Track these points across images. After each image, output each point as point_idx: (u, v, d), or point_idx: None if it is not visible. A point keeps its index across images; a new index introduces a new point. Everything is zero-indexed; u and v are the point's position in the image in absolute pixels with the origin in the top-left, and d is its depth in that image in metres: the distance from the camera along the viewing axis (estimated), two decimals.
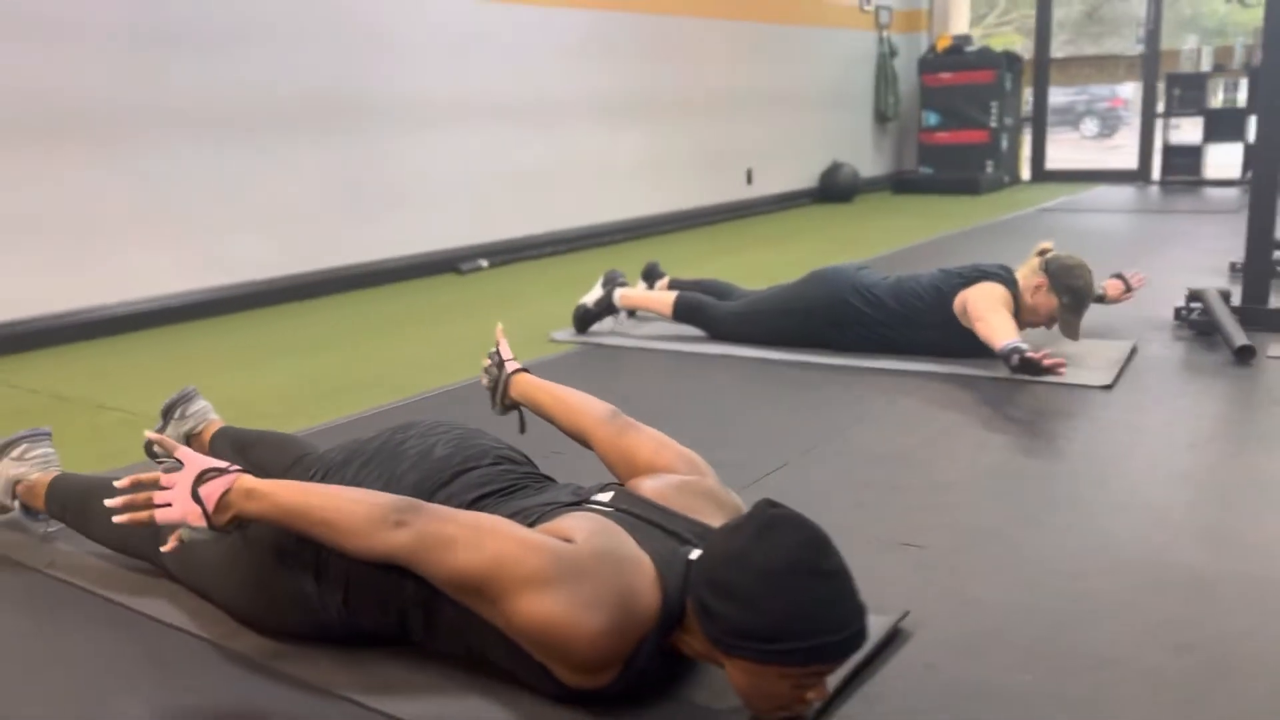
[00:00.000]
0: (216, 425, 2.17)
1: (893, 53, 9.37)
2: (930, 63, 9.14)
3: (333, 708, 1.38)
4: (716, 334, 3.51)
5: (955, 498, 2.06)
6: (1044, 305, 3.03)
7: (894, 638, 1.52)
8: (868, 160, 9.36)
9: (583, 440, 1.71)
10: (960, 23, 9.97)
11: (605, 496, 1.47)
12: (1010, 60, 9.06)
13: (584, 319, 3.70)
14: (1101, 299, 3.43)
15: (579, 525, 1.33)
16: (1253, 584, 1.65)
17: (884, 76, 9.37)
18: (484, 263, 5.46)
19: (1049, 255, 3.07)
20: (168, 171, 4.18)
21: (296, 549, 1.49)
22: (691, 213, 7.15)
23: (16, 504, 1.97)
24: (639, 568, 1.30)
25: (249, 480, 1.36)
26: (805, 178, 8.47)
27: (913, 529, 1.91)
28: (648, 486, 1.50)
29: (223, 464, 1.37)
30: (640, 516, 1.41)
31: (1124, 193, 8.27)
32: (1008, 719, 1.31)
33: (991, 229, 6.30)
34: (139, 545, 1.76)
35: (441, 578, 1.31)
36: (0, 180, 3.68)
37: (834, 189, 8.48)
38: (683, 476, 1.55)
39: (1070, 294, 2.99)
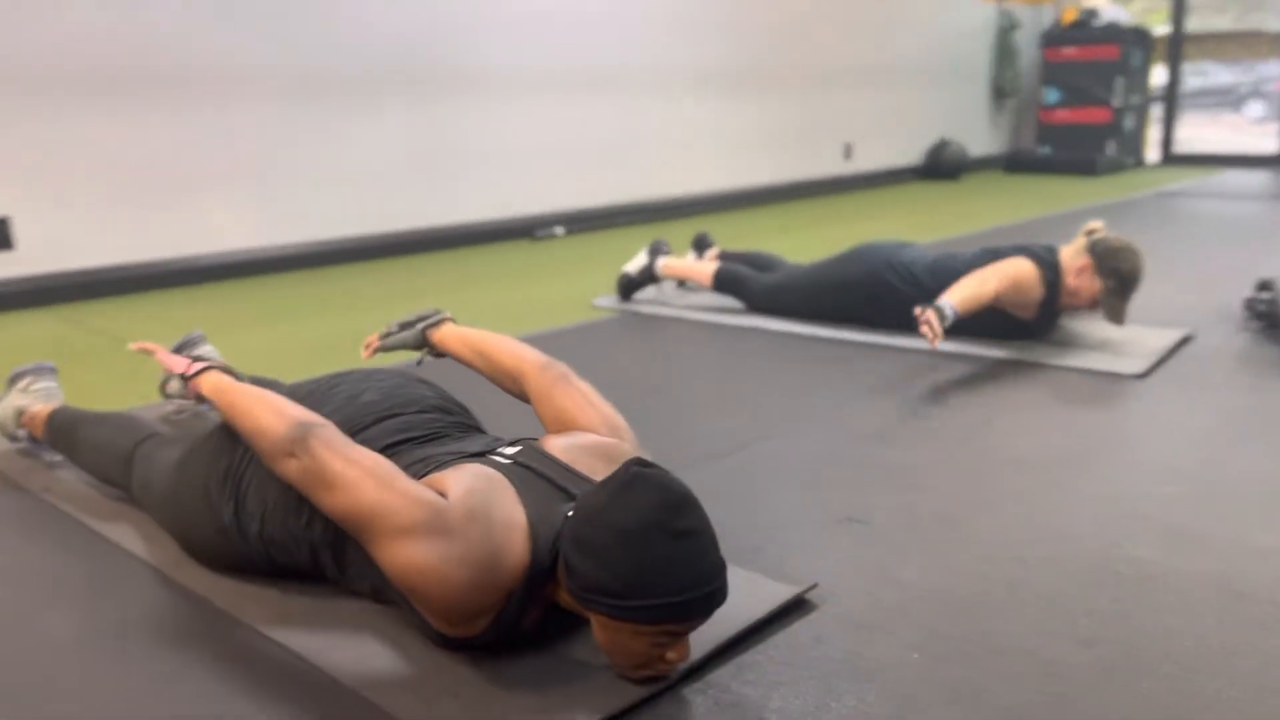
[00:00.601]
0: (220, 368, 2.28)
1: (1014, 26, 8.99)
2: (1053, 37, 8.74)
3: (240, 635, 1.45)
4: (754, 306, 3.47)
5: (925, 479, 2.00)
6: (1087, 288, 2.89)
7: (794, 608, 1.50)
8: (981, 137, 9.04)
9: (517, 385, 1.72)
10: None
11: (511, 450, 1.49)
12: (1139, 36, 8.58)
13: (627, 286, 3.71)
14: None
15: (460, 480, 1.35)
16: (1197, 584, 1.55)
17: (1003, 50, 9.00)
18: (559, 230, 5.53)
19: (1096, 236, 2.92)
20: (251, 129, 4.37)
21: (221, 482, 1.57)
22: (782, 187, 7.05)
23: (23, 433, 2.12)
24: (509, 524, 1.31)
25: (221, 375, 1.59)
26: (910, 154, 8.24)
27: (866, 506, 1.87)
28: (557, 444, 1.51)
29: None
30: (536, 472, 1.42)
31: (1257, 178, 7.77)
32: (873, 697, 1.28)
33: (1093, 212, 6.01)
34: (114, 474, 1.87)
35: (325, 512, 1.36)
36: (89, 136, 3.92)
37: (940, 167, 8.23)
38: (597, 438, 1.55)
39: (1116, 277, 2.84)
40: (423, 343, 1.80)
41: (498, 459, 1.45)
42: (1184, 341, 2.99)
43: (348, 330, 3.39)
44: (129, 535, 1.78)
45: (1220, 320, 3.25)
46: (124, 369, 2.92)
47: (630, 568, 1.21)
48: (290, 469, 1.38)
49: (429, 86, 4.97)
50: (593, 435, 1.56)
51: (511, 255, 4.96)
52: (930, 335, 2.62)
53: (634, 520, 1.21)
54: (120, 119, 3.99)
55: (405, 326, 1.85)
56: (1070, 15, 8.78)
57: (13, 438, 2.15)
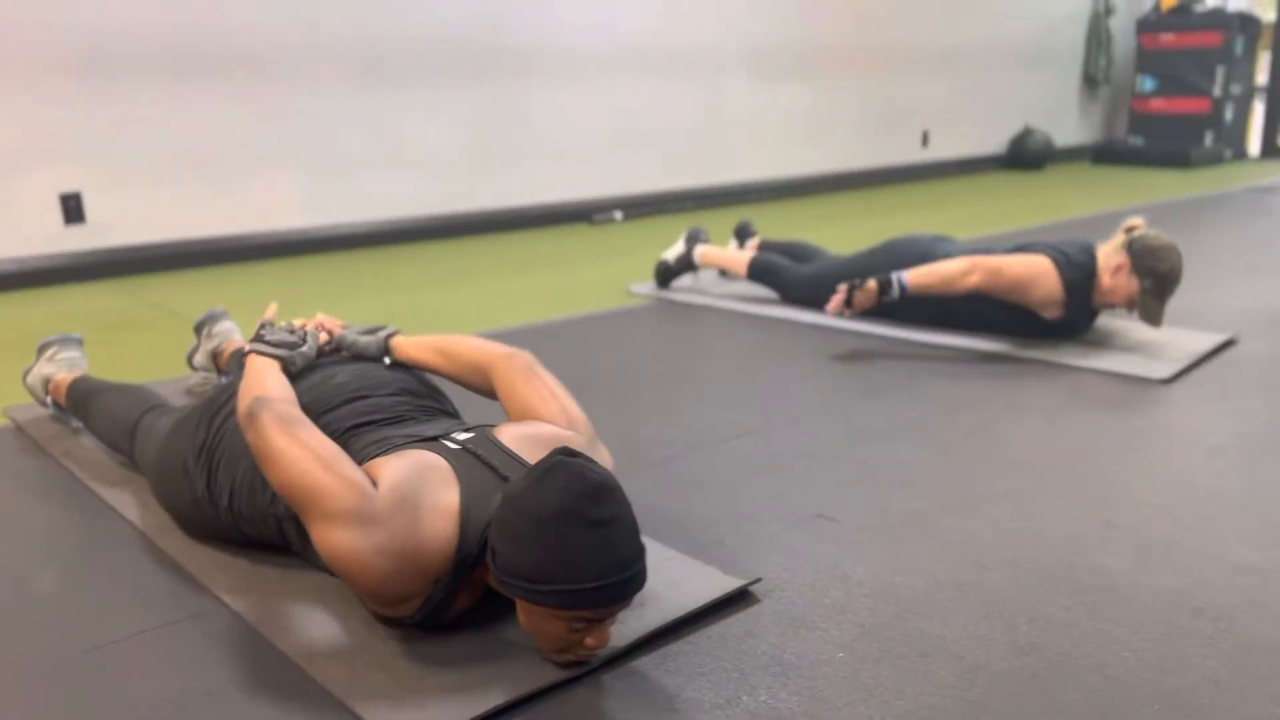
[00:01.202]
0: (236, 345, 2.39)
1: (1109, 10, 8.66)
2: (1151, 23, 8.39)
3: (200, 600, 1.53)
4: (787, 297, 3.46)
5: (909, 478, 1.98)
6: (1123, 287, 2.80)
7: (736, 601, 1.51)
8: (1071, 127, 8.76)
9: (483, 378, 1.75)
10: None
11: (463, 436, 1.53)
12: (1245, 22, 8.18)
13: (664, 274, 3.73)
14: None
15: (395, 469, 1.38)
16: (1156, 598, 1.51)
17: (1096, 36, 8.69)
18: (618, 214, 5.56)
19: (1135, 234, 2.83)
20: (311, 111, 4.51)
21: (196, 455, 1.65)
22: (856, 174, 6.96)
23: (49, 399, 2.25)
24: (438, 511, 1.34)
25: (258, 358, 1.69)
26: (992, 143, 8.03)
27: (838, 503, 1.86)
28: (509, 433, 1.54)
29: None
30: (481, 459, 1.46)
31: None
32: (785, 694, 1.29)
33: (1177, 206, 5.79)
34: (120, 442, 1.98)
35: (270, 485, 1.43)
36: (155, 115, 4.10)
37: (1023, 156, 8.00)
38: (552, 429, 1.58)
39: (1153, 277, 2.74)
40: (385, 350, 1.84)
41: (448, 444, 1.49)
42: (1225, 346, 2.88)
43: (386, 310, 3.49)
44: (127, 501, 1.89)
45: (1273, 324, 3.11)
46: (171, 341, 3.06)
47: (545, 553, 1.23)
48: (249, 441, 1.44)
49: (491, 69, 5.04)
50: (549, 426, 1.59)
51: (566, 239, 5.02)
52: (833, 303, 2.85)
53: (551, 507, 1.24)
54: (186, 100, 4.16)
55: (367, 333, 1.89)
56: (1171, 1, 8.42)
57: (44, 404, 2.28)
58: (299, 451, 1.38)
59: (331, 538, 1.31)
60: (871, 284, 2.84)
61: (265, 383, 1.56)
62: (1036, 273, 2.78)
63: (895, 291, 2.83)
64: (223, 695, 1.29)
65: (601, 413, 2.37)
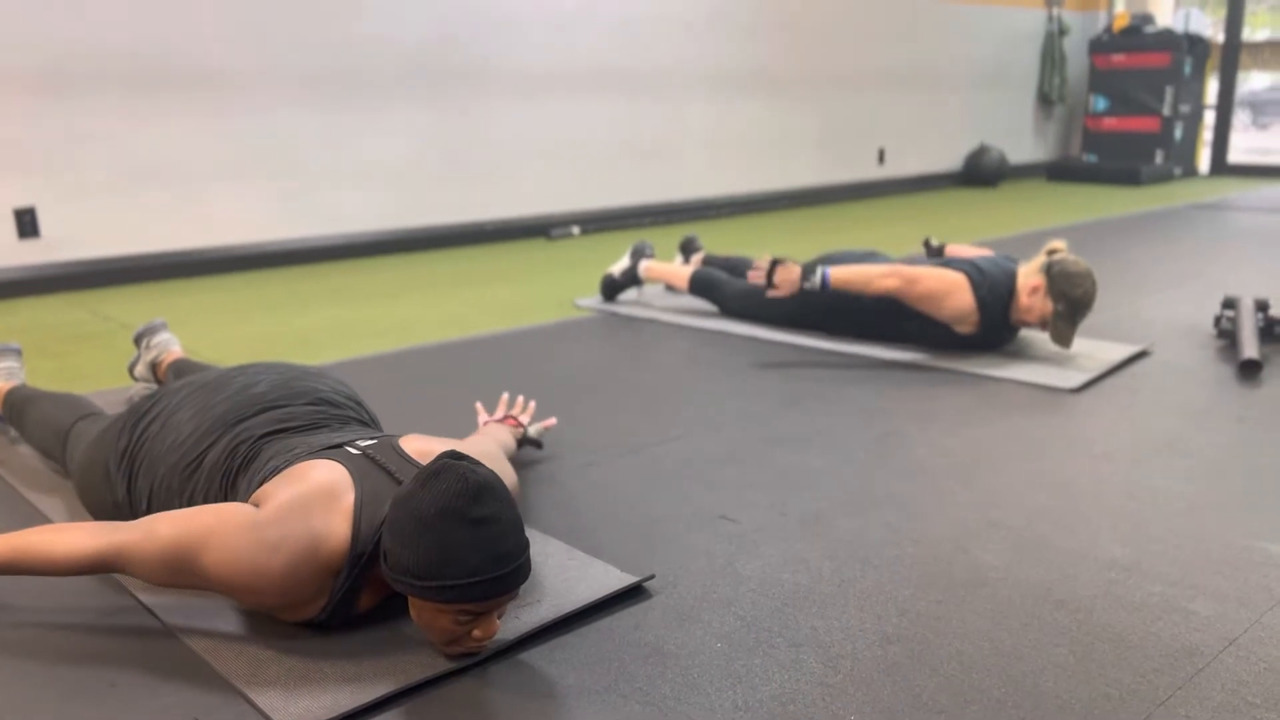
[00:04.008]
0: (174, 356, 2.46)
1: (1063, 31, 8.86)
2: (1103, 44, 8.59)
3: (114, 598, 1.60)
4: (726, 311, 3.56)
5: (812, 482, 2.07)
6: (1039, 307, 2.91)
7: (631, 597, 1.59)
8: (1026, 145, 8.93)
9: None
10: (1160, 1, 9.18)
11: (365, 443, 1.60)
12: (1193, 43, 8.39)
13: (610, 288, 3.82)
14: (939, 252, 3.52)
15: (283, 487, 1.44)
16: (1024, 591, 1.61)
17: (1050, 57, 8.88)
18: (576, 229, 5.65)
19: (1055, 257, 2.94)
20: (270, 125, 4.58)
21: (118, 460, 1.72)
22: (814, 190, 7.08)
23: None
24: (331, 512, 1.40)
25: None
26: (948, 160, 8.19)
27: (742, 505, 1.95)
28: (413, 444, 1.61)
29: None
30: (378, 463, 1.53)
31: None
32: (659, 680, 1.37)
33: (1125, 222, 5.94)
34: (53, 449, 2.04)
35: (151, 570, 1.42)
36: (112, 130, 4.16)
37: (978, 173, 8.17)
38: (462, 440, 1.66)
39: (1066, 301, 2.85)
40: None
41: (350, 450, 1.57)
42: (1138, 356, 3.00)
43: (332, 321, 3.56)
44: (57, 507, 1.95)
45: (1188, 336, 3.24)
46: (123, 354, 3.12)
47: (428, 550, 1.31)
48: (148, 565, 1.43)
49: (450, 85, 5.13)
50: (460, 441, 1.67)
51: (521, 254, 5.10)
52: (753, 275, 3.05)
53: (434, 506, 1.32)
54: (142, 115, 4.22)
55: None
56: (1122, 21, 8.62)
57: None
58: (148, 524, 1.42)
59: (226, 555, 1.36)
60: (794, 265, 2.97)
61: (77, 541, 1.45)
62: (948, 288, 2.89)
63: (817, 280, 2.95)
64: (127, 688, 1.36)
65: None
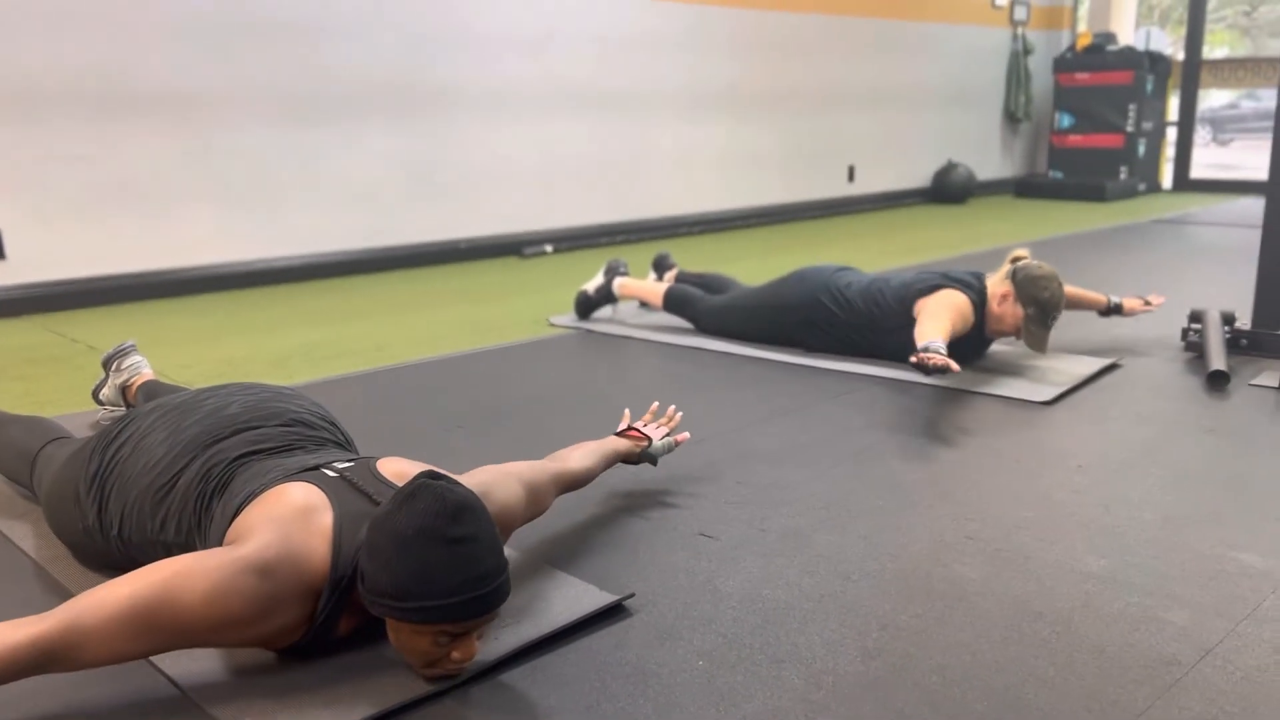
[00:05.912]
0: (145, 378, 2.43)
1: (1027, 50, 8.99)
2: (1067, 62, 8.72)
3: None
4: (701, 327, 3.56)
5: (790, 497, 2.07)
6: (1010, 315, 2.94)
7: (611, 616, 1.58)
8: (992, 162, 9.04)
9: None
10: (1122, 20, 9.33)
11: (342, 465, 1.58)
12: (1154, 61, 8.53)
13: (584, 305, 3.82)
14: (1118, 310, 3.33)
15: (261, 517, 1.42)
16: (1003, 604, 1.61)
17: (1016, 75, 9.01)
18: (548, 248, 5.65)
19: (1019, 264, 2.98)
20: (239, 146, 4.55)
21: (89, 485, 1.69)
22: (784, 208, 7.13)
23: None
24: (309, 534, 1.38)
25: None
26: (916, 177, 8.27)
27: (721, 521, 1.95)
28: (390, 466, 1.59)
29: None
30: (356, 486, 1.51)
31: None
32: (641, 700, 1.36)
33: (1087, 237, 6.02)
34: (20, 473, 2.00)
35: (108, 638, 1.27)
36: (79, 152, 4.12)
37: (946, 190, 8.25)
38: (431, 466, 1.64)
39: (1035, 305, 2.89)
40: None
41: (327, 472, 1.55)
42: (1108, 369, 3.03)
43: (304, 342, 3.53)
44: (24, 532, 1.92)
45: (1156, 349, 3.28)
46: (89, 377, 3.08)
47: (406, 571, 1.30)
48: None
49: (421, 105, 5.13)
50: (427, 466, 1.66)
51: (494, 272, 5.09)
52: (948, 366, 2.48)
53: (412, 527, 1.30)
54: (110, 137, 4.18)
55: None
56: (1085, 39, 8.76)
57: None
58: (95, 594, 1.29)
59: (207, 586, 1.29)
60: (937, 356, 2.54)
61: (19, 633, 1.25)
62: (965, 305, 2.89)
63: (944, 349, 2.61)
64: (101, 717, 1.33)
65: (507, 440, 2.44)
